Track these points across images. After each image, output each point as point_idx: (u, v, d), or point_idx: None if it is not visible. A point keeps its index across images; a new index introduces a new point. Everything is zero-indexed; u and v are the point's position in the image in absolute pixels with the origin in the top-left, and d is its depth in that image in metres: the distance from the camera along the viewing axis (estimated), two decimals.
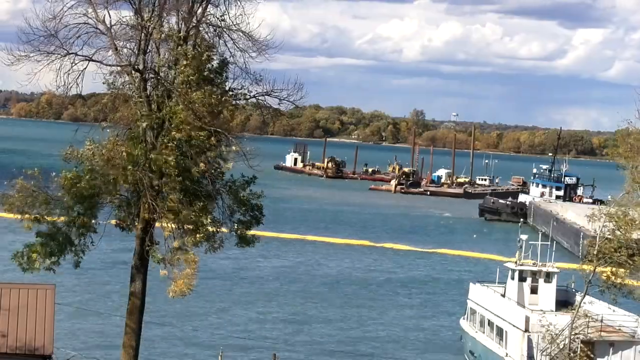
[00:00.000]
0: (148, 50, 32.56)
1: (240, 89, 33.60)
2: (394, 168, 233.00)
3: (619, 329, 52.41)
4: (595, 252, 48.22)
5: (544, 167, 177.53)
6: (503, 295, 57.61)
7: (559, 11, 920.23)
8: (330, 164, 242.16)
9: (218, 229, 33.58)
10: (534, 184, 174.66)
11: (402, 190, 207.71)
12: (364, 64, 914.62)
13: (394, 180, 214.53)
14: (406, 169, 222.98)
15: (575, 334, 49.95)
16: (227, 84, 33.52)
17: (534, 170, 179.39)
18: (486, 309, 57.65)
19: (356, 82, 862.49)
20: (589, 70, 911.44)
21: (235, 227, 34.26)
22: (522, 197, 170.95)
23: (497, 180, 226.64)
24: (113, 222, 33.82)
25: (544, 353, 50.38)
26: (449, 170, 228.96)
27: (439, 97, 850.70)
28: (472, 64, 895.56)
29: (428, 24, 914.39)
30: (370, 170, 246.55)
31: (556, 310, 54.99)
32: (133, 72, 32.41)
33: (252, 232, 34.66)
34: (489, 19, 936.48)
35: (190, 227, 32.59)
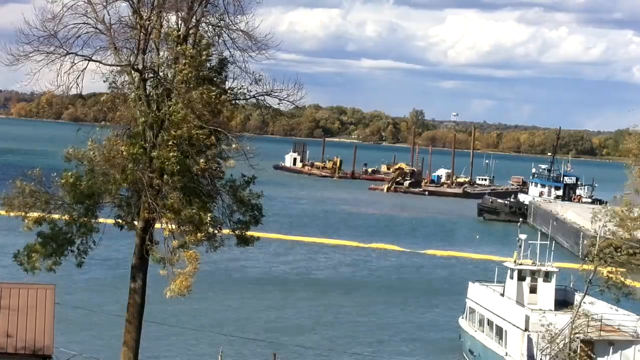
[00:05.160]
0: (148, 50, 32.60)
1: (240, 89, 33.65)
2: (389, 167, 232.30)
3: (619, 329, 52.44)
4: (595, 252, 48.24)
5: (543, 166, 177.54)
6: (502, 295, 57.62)
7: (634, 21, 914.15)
8: (331, 164, 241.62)
9: (218, 229, 33.62)
10: (533, 184, 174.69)
11: (402, 190, 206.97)
12: (406, 67, 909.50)
13: (388, 178, 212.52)
14: (405, 166, 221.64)
15: (575, 333, 49.98)
16: (227, 83, 33.59)
17: (533, 170, 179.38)
18: (485, 308, 57.66)
19: (389, 83, 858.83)
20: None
21: (235, 227, 34.31)
22: (521, 197, 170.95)
23: (483, 178, 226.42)
24: (111, 221, 33.84)
25: (544, 352, 50.40)
26: (448, 170, 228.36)
27: (471, 99, 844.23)
28: (523, 67, 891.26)
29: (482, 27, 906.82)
30: (369, 170, 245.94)
31: (555, 310, 55.00)
32: (132, 71, 32.45)
33: (251, 232, 34.74)
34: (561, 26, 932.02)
35: (191, 227, 32.62)
